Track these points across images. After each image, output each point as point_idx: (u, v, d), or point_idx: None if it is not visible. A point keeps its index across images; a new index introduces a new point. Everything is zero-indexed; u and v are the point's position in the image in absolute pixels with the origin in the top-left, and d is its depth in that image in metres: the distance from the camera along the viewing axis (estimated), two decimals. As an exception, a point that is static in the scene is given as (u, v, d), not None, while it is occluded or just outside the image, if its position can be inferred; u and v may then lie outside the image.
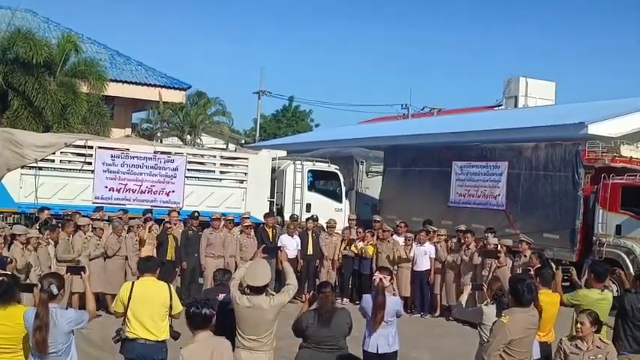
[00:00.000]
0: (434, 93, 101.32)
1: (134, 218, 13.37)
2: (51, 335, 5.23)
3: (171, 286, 6.69)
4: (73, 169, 15.46)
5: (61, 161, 15.44)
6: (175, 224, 13.48)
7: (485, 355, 5.48)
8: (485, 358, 5.49)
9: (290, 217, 15.53)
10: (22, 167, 14.82)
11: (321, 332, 6.02)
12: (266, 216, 14.93)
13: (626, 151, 15.73)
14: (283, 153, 19.95)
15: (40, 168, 15.05)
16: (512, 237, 13.82)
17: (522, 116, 25.84)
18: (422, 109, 42.87)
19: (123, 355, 6.54)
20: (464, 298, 7.00)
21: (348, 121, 77.34)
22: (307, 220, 15.04)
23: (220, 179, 17.17)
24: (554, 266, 11.25)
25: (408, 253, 13.33)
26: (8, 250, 9.97)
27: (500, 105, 35.66)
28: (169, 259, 12.72)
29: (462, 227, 13.55)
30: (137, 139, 20.13)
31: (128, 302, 6.35)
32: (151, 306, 6.11)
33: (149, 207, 15.05)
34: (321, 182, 19.57)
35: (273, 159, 18.27)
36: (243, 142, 37.71)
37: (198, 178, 16.71)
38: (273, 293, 6.05)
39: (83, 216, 12.88)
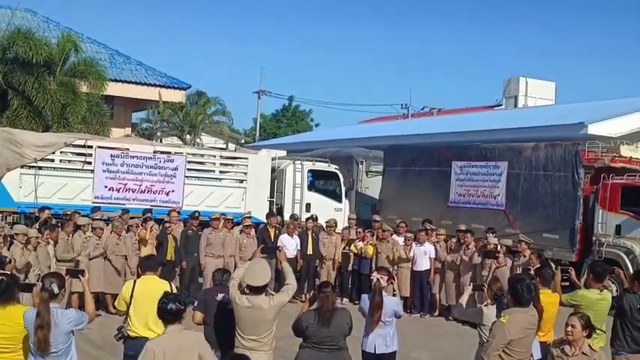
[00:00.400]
0: (434, 93, 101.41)
1: (134, 218, 13.38)
2: (51, 335, 5.25)
3: (172, 284, 6.71)
4: (73, 169, 15.47)
5: (60, 161, 15.45)
6: (175, 224, 13.50)
7: (485, 355, 5.50)
8: (484, 359, 5.50)
9: (290, 217, 15.54)
10: (22, 167, 14.83)
11: (321, 332, 6.03)
12: (268, 216, 14.96)
13: (625, 151, 15.74)
14: (283, 153, 19.96)
15: (40, 168, 15.06)
16: (511, 237, 13.83)
17: (522, 116, 25.85)
18: (422, 109, 42.90)
19: (124, 353, 6.55)
20: (464, 299, 7.01)
21: (347, 121, 77.44)
22: (307, 219, 15.06)
23: (220, 179, 17.18)
24: (553, 266, 11.28)
25: (407, 253, 13.34)
26: (8, 250, 10.00)
27: (500, 105, 35.65)
28: (169, 259, 12.74)
29: (462, 227, 13.56)
30: (137, 138, 20.14)
31: (130, 300, 6.38)
32: (152, 304, 6.12)
33: (149, 207, 15.06)
34: (320, 182, 19.58)
35: (273, 159, 18.28)
36: (243, 141, 37.69)
37: (197, 177, 16.72)
38: (273, 293, 6.06)
39: (83, 216, 12.90)
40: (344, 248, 14.34)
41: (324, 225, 14.85)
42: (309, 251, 14.29)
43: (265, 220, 14.97)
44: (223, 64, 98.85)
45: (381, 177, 20.20)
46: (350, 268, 14.30)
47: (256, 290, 5.86)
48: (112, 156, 15.71)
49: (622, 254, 13.80)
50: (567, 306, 7.11)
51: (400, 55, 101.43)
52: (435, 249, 13.38)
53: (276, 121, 53.96)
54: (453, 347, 10.59)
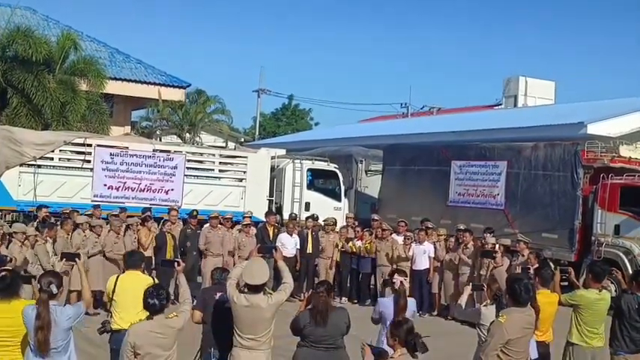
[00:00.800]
0: (433, 92, 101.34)
1: (132, 217, 13.36)
2: (51, 333, 5.28)
3: (155, 279, 6.79)
4: (72, 167, 15.47)
5: (60, 159, 15.47)
6: (174, 223, 13.49)
7: (483, 354, 5.50)
8: (482, 358, 5.50)
9: (289, 216, 15.54)
10: (21, 165, 14.83)
11: (318, 331, 6.03)
12: (267, 214, 14.96)
13: (625, 151, 15.76)
14: (282, 151, 19.97)
15: (39, 166, 15.06)
16: (510, 236, 13.83)
17: (521, 116, 25.85)
18: (421, 108, 42.88)
19: (110, 347, 6.70)
20: (463, 299, 6.98)
21: (347, 120, 77.34)
22: (307, 219, 15.06)
23: (219, 178, 17.17)
24: (552, 266, 11.26)
25: (407, 252, 13.33)
26: (7, 248, 10.02)
27: (500, 104, 35.64)
28: (168, 259, 12.72)
29: (462, 226, 13.56)
30: (136, 137, 20.13)
31: (112, 295, 6.58)
32: (134, 298, 6.18)
33: (148, 205, 15.05)
34: (320, 181, 19.57)
35: (273, 157, 18.27)
36: (242, 140, 37.68)
37: (197, 176, 16.72)
38: (271, 292, 6.06)
39: (81, 214, 12.89)
40: (342, 247, 14.34)
41: (323, 224, 14.85)
42: (309, 250, 14.29)
43: (264, 219, 14.96)
44: (223, 63, 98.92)
45: (380, 176, 20.19)
46: (348, 266, 14.30)
47: (254, 289, 5.86)
48: (111, 154, 15.71)
49: (621, 254, 13.80)
50: (566, 306, 7.10)
51: (400, 55, 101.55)
52: (434, 248, 13.38)
53: (275, 120, 53.96)
54: (452, 347, 10.56)
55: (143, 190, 15.89)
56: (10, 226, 11.24)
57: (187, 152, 16.98)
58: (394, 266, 13.09)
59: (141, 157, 15.97)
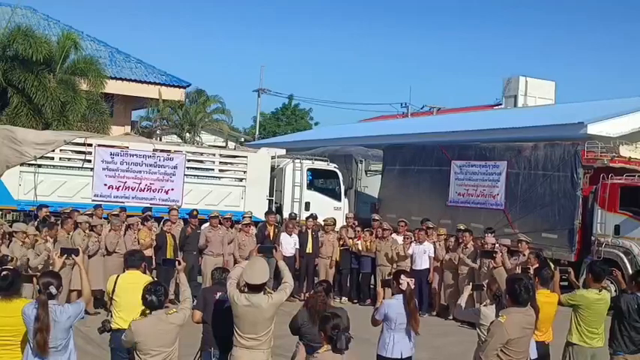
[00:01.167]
0: (433, 92, 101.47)
1: (132, 216, 13.37)
2: (51, 332, 5.27)
3: (155, 279, 6.81)
4: (73, 167, 15.48)
5: (60, 159, 15.47)
6: (174, 222, 13.50)
7: (483, 354, 5.50)
8: (482, 358, 5.50)
9: (288, 216, 15.55)
10: (22, 165, 14.84)
11: (315, 330, 6.04)
12: (267, 214, 14.97)
13: (625, 151, 15.74)
14: (282, 151, 19.96)
15: (40, 165, 15.07)
16: (511, 237, 13.83)
17: (522, 116, 25.85)
18: (421, 108, 42.90)
19: (110, 346, 6.74)
20: (463, 299, 6.98)
21: (347, 120, 77.32)
22: (307, 218, 15.07)
23: (219, 177, 17.18)
24: (552, 266, 11.27)
25: (406, 250, 13.33)
26: (7, 247, 10.04)
27: (500, 104, 35.65)
28: (169, 258, 12.72)
29: (462, 226, 13.56)
30: (136, 136, 20.12)
31: (112, 294, 6.60)
32: (134, 298, 6.19)
33: (148, 205, 15.07)
34: (320, 181, 19.58)
35: (273, 157, 18.28)
36: (242, 140, 37.72)
37: (197, 176, 16.73)
38: (272, 291, 6.07)
39: (82, 213, 12.90)
40: (342, 246, 14.35)
41: (323, 224, 14.86)
42: (309, 250, 14.30)
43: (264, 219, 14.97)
44: (223, 63, 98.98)
45: (380, 176, 20.19)
46: (348, 265, 14.32)
47: (255, 289, 5.87)
48: (111, 154, 15.72)
49: (621, 254, 13.81)
50: (566, 306, 7.11)
51: (400, 54, 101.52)
52: (434, 248, 13.39)
53: (275, 120, 53.98)
54: (452, 347, 10.60)
55: (143, 190, 15.90)
56: (11, 226, 11.25)
57: (187, 152, 16.99)
58: (394, 266, 13.13)
59: (141, 156, 15.98)
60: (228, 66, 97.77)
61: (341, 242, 14.42)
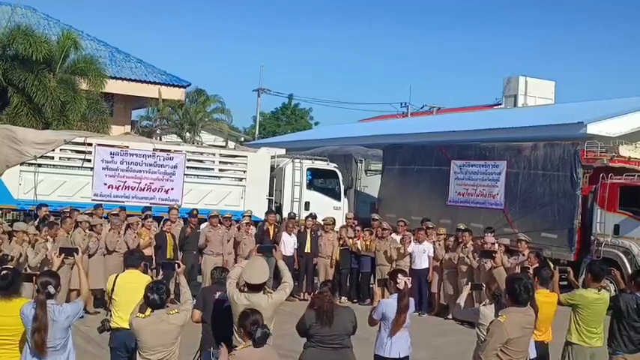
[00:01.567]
0: (433, 91, 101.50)
1: (132, 215, 13.37)
2: (50, 331, 5.27)
3: (154, 278, 6.81)
4: (73, 167, 15.49)
5: (60, 158, 15.48)
6: (174, 222, 13.50)
7: (482, 354, 5.49)
8: (482, 358, 5.50)
9: (288, 215, 15.54)
10: (22, 164, 14.84)
11: (324, 331, 6.02)
12: (267, 214, 14.97)
13: (624, 150, 15.75)
14: (282, 151, 19.97)
15: (40, 165, 15.08)
16: (510, 236, 13.83)
17: (521, 115, 25.85)
18: (421, 108, 42.92)
19: (109, 345, 6.77)
20: (462, 299, 6.97)
21: (347, 119, 77.30)
22: (306, 218, 15.07)
23: (219, 177, 17.18)
24: (552, 266, 11.27)
25: (405, 248, 13.31)
26: (9, 245, 10.07)
27: (500, 104, 35.65)
28: (169, 259, 12.72)
29: (461, 226, 13.56)
30: (136, 136, 20.13)
31: (112, 294, 6.64)
32: (133, 297, 6.21)
33: (148, 204, 15.07)
34: (319, 180, 19.58)
35: (272, 157, 18.28)
36: (242, 139, 37.73)
37: (197, 175, 16.74)
38: (271, 291, 6.07)
39: (81, 213, 12.90)
40: (341, 246, 14.35)
41: (322, 223, 14.85)
42: (308, 249, 14.30)
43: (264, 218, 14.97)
44: (223, 62, 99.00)
45: (380, 176, 20.20)
46: (348, 265, 14.31)
47: (254, 288, 5.87)
48: (111, 154, 15.72)
49: (620, 254, 13.80)
50: (565, 305, 7.10)
51: (400, 54, 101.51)
52: (434, 247, 13.38)
53: (275, 119, 54.01)
54: (452, 346, 10.59)
55: (143, 190, 15.90)
56: (11, 225, 11.25)
57: (187, 151, 16.99)
58: (394, 265, 13.12)
59: (141, 156, 15.98)
60: (228, 66, 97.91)
61: (341, 242, 14.42)
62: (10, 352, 5.43)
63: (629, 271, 12.69)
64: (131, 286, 6.44)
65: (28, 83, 18.17)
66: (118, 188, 15.67)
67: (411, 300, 6.91)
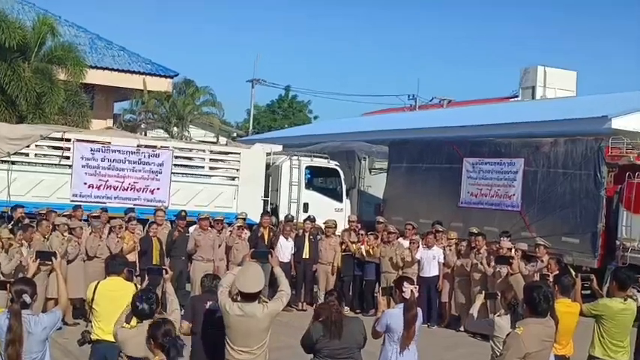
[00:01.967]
0: (443, 83, 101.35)
1: (114, 218, 13.37)
2: (26, 344, 5.27)
3: (138, 286, 6.81)
4: (50, 164, 15.50)
5: (36, 155, 15.49)
6: (161, 225, 13.50)
7: (498, 369, 5.50)
8: (497, 373, 5.50)
9: (285, 218, 15.55)
10: (-6, 161, 14.85)
11: (333, 344, 6.02)
12: (262, 216, 14.98)
13: (652, 147, 15.77)
14: (279, 147, 19.95)
15: (14, 162, 15.07)
16: (528, 241, 13.85)
17: (540, 109, 25.93)
18: (430, 100, 43.04)
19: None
20: (475, 309, 6.98)
21: (349, 113, 77.43)
22: (305, 221, 15.08)
23: (210, 176, 17.20)
24: (573, 273, 11.30)
25: (413, 255, 13.34)
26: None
27: (517, 96, 35.76)
28: (154, 265, 12.73)
29: (474, 230, 13.57)
30: (119, 131, 20.15)
31: (92, 303, 6.63)
32: (115, 307, 6.22)
33: (132, 206, 15.09)
34: (319, 180, 19.61)
35: (268, 154, 18.29)
36: (235, 135, 37.74)
37: (185, 174, 16.76)
38: (267, 300, 6.07)
39: (59, 215, 12.90)
40: (343, 250, 14.36)
41: (323, 226, 14.86)
42: (306, 255, 14.31)
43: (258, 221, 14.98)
44: (214, 50, 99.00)
45: (385, 174, 20.23)
46: (350, 272, 14.33)
47: (249, 297, 5.86)
48: (92, 150, 15.73)
49: (648, 260, 13.82)
50: (588, 316, 7.11)
51: (407, 42, 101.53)
52: (444, 253, 13.40)
53: (271, 113, 54.07)
54: (463, 360, 10.63)
55: (126, 189, 15.91)
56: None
57: (175, 148, 16.99)
58: (400, 272, 13.14)
59: (124, 153, 15.99)
60: (220, 54, 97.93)
61: (343, 247, 14.44)
62: None
63: (658, 278, 12.70)
64: (113, 294, 6.46)
65: (1, 73, 18.16)
66: (99, 188, 15.67)
67: (419, 310, 6.91)
